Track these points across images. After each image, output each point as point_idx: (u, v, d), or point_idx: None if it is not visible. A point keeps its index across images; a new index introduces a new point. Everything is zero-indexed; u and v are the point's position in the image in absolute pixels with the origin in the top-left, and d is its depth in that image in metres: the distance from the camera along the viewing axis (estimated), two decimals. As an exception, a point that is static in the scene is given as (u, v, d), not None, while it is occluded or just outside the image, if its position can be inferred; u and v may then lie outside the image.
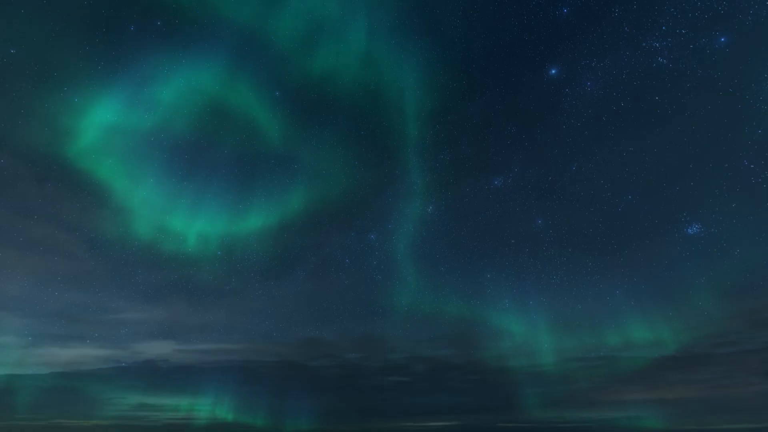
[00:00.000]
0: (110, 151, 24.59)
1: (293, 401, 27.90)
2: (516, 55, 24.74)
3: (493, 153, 26.51)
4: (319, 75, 25.65)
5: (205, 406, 27.50)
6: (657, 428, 24.61)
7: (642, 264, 25.10)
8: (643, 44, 22.29)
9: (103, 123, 23.85)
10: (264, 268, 27.79)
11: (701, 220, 23.36)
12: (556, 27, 23.58)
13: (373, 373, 28.59)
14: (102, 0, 22.11)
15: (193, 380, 27.55)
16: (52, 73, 22.27)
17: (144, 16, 22.80)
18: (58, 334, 25.46)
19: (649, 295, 25.12)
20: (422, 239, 28.05)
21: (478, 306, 27.46)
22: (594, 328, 26.17)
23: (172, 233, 26.46)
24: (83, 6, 21.91)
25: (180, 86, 24.50)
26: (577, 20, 23.23)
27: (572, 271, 26.12)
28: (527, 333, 27.08)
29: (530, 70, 24.77)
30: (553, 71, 24.31)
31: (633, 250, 25.15)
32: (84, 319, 25.73)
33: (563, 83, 24.29)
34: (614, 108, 23.39)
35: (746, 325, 23.47)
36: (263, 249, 27.54)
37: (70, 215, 24.46)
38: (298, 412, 27.28)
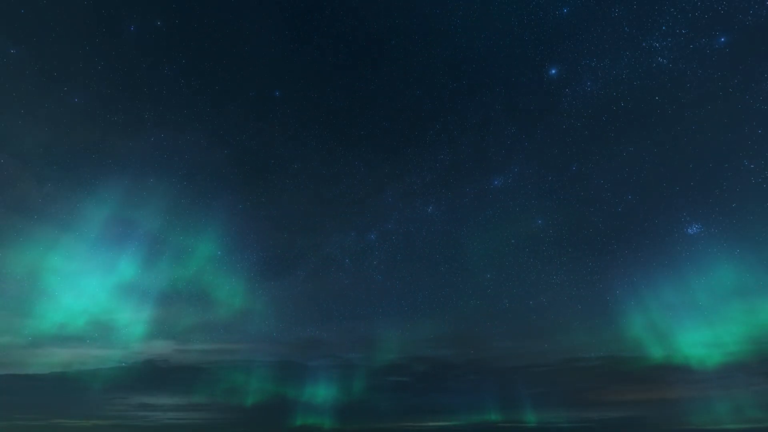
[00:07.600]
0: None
1: (293, 401, 27.93)
2: (516, 55, 24.69)
3: (493, 153, 26.49)
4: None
5: (205, 406, 27.56)
6: (657, 428, 24.61)
7: (642, 264, 25.10)
8: (643, 44, 22.28)
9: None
10: (264, 268, 27.80)
11: (701, 220, 23.39)
12: (556, 27, 23.55)
13: (373, 373, 28.62)
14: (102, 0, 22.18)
15: (193, 380, 27.58)
16: (52, 73, 22.33)
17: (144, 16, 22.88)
18: (58, 334, 25.52)
19: (648, 295, 25.15)
20: (422, 239, 28.11)
21: (478, 306, 27.52)
22: (594, 328, 26.22)
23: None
24: (83, 6, 21.96)
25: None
26: (577, 20, 23.19)
27: (572, 271, 26.15)
28: (527, 333, 27.16)
29: (530, 70, 24.74)
30: (553, 71, 24.29)
31: (633, 250, 25.18)
32: (84, 319, 25.75)
33: (563, 83, 24.27)
34: (614, 108, 23.40)
35: (746, 325, 23.46)
36: (263, 249, 27.59)
37: (70, 215, 24.46)
38: (298, 412, 27.34)
